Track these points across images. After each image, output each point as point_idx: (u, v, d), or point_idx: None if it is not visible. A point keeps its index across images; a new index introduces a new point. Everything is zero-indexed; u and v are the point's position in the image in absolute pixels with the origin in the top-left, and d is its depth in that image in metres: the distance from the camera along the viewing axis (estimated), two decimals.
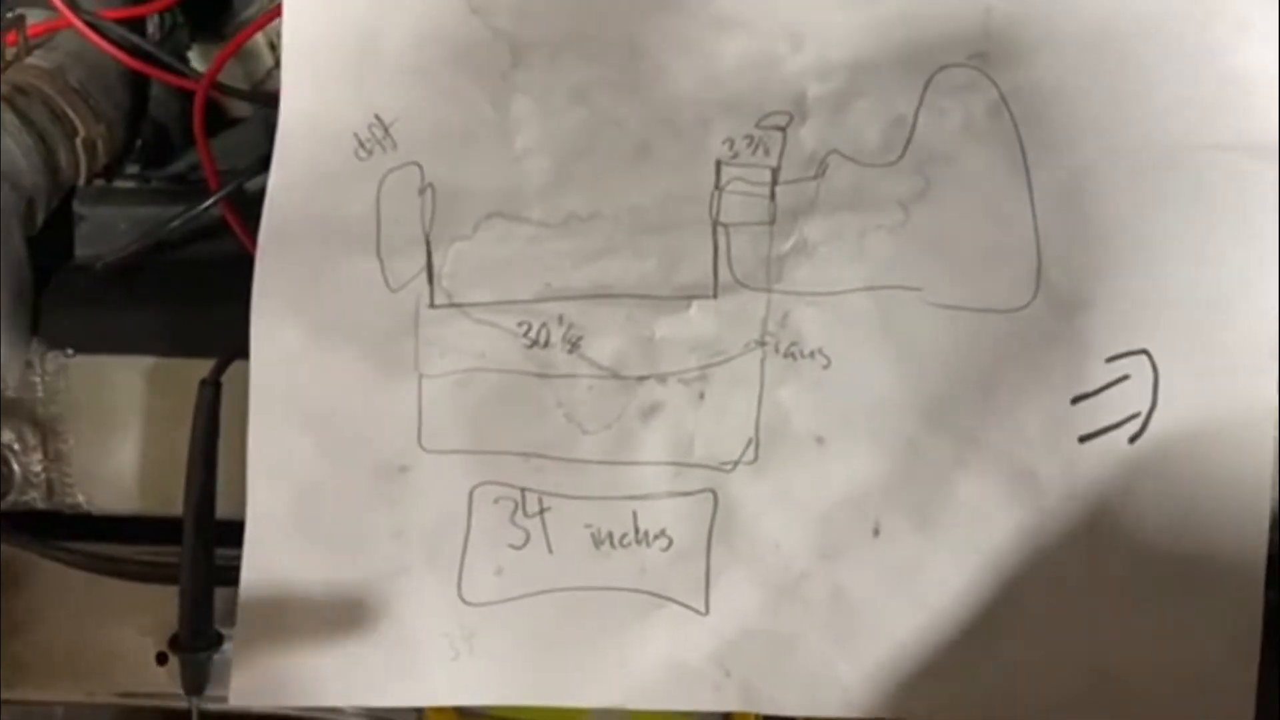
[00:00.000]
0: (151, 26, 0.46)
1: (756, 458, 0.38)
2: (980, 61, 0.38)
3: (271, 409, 0.39)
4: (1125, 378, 0.37)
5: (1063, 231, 0.37)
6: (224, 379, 0.40)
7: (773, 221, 0.38)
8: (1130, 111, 0.37)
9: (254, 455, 0.39)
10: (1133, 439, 0.37)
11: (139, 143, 0.49)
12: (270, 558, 0.39)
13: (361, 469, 0.39)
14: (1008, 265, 0.37)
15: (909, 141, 0.38)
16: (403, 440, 0.39)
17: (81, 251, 0.45)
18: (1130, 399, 0.37)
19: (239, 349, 0.39)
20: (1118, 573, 0.38)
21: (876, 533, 0.38)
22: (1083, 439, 0.37)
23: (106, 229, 0.45)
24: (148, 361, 0.43)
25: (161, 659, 0.44)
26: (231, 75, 0.47)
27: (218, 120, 0.49)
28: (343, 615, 0.39)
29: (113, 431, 0.43)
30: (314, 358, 0.38)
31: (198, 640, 0.41)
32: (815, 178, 0.38)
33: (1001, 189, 0.37)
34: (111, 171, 0.49)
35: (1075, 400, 0.37)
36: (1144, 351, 0.37)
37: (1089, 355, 0.37)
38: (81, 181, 0.46)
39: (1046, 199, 0.37)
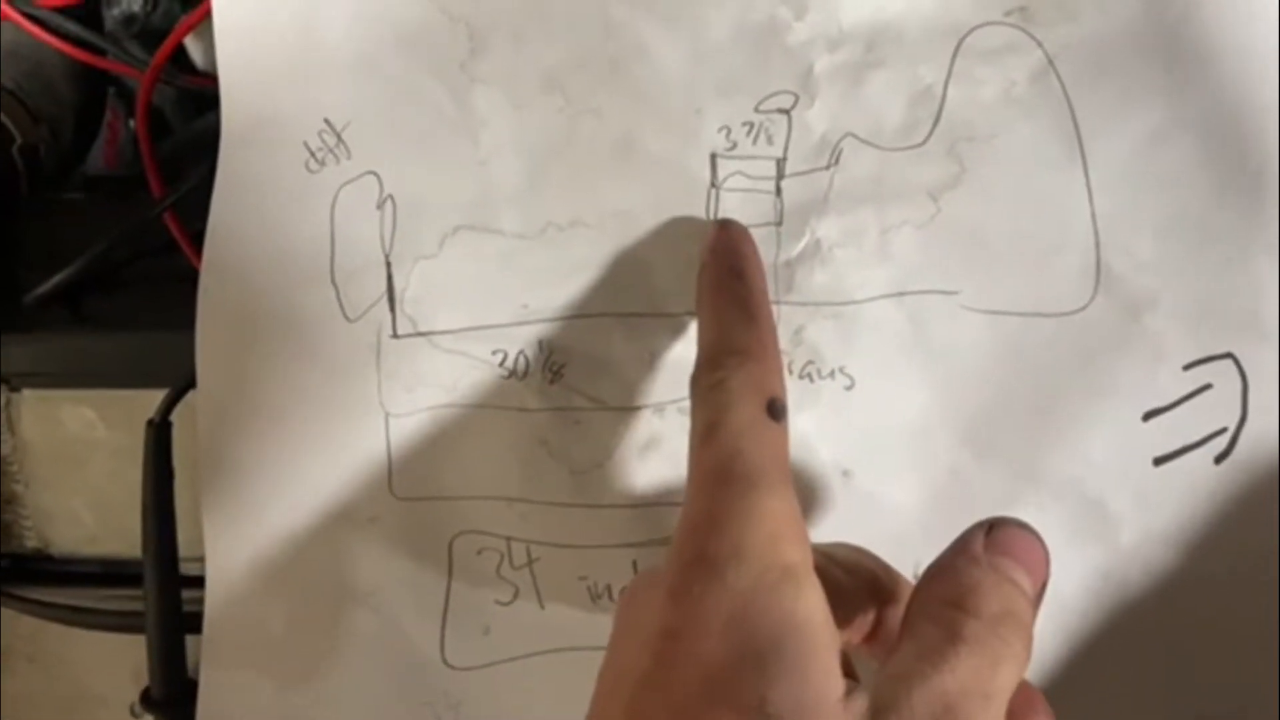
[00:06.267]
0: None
1: None
2: (1021, 18, 0.32)
3: (220, 459, 0.35)
4: (1207, 387, 0.32)
5: (1126, 216, 0.32)
6: (180, 409, 0.37)
7: (780, 222, 0.33)
8: (1200, 70, 0.31)
9: (207, 508, 0.35)
10: (1219, 459, 0.32)
11: (132, 125, 0.46)
12: (233, 618, 0.35)
13: (327, 521, 0.35)
14: (1061, 260, 0.32)
15: (938, 118, 0.32)
16: (372, 488, 0.34)
17: (25, 274, 0.41)
18: (1214, 412, 0.32)
19: (191, 380, 0.35)
20: (1206, 616, 0.32)
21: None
22: (1158, 461, 0.32)
23: (53, 247, 0.41)
24: (101, 394, 0.39)
25: (137, 710, 0.41)
26: None
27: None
28: (314, 683, 0.35)
29: (68, 470, 0.40)
30: (267, 399, 0.34)
31: (170, 694, 0.39)
32: (828, 167, 0.32)
33: (1051, 169, 0.32)
34: (62, 177, 0.46)
35: (1147, 416, 0.32)
36: (1229, 355, 0.32)
37: (1162, 362, 0.32)
38: (24, 191, 0.43)
39: (1105, 178, 0.32)
